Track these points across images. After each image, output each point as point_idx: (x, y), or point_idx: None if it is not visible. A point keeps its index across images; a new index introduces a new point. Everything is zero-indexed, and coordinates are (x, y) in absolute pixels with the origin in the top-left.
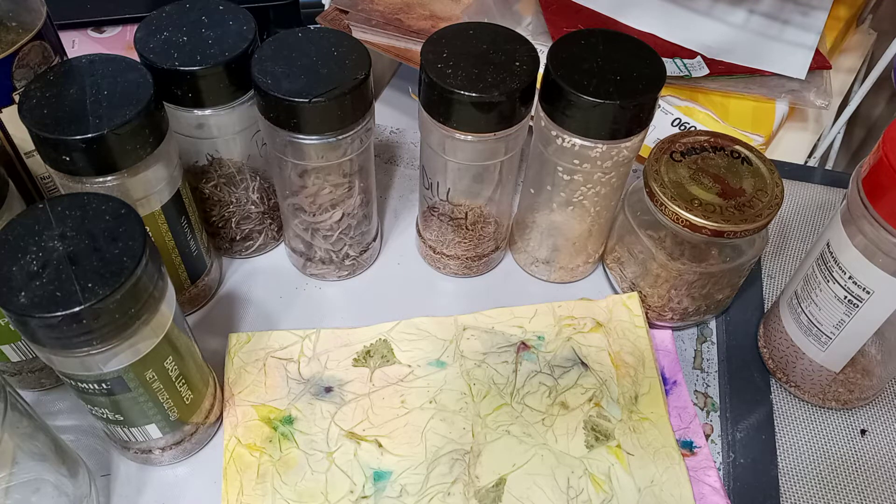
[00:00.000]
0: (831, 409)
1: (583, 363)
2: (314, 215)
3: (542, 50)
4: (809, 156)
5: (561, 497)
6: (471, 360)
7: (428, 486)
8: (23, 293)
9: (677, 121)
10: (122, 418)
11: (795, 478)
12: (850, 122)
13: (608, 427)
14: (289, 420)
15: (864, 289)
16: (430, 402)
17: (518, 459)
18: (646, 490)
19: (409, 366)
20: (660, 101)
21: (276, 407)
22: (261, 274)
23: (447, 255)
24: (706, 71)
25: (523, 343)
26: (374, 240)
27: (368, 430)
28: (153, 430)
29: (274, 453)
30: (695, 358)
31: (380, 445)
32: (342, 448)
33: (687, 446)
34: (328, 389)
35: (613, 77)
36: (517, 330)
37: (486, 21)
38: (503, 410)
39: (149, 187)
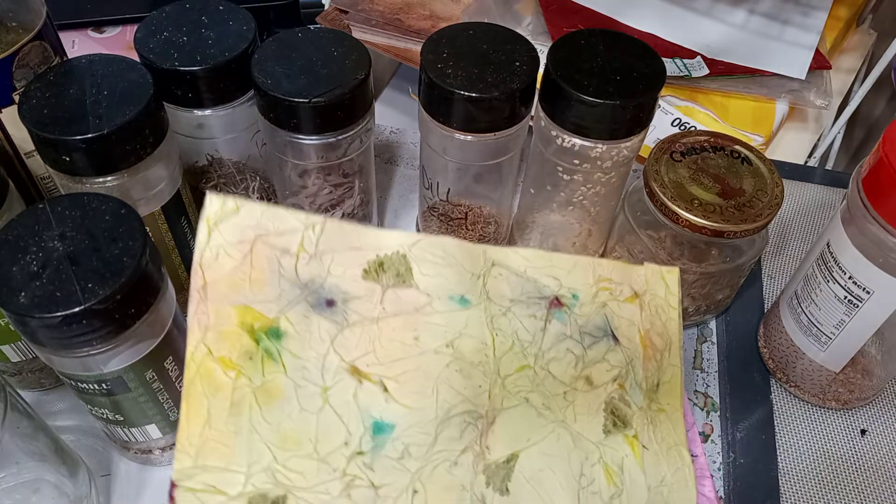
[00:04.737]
0: (831, 409)
1: (613, 336)
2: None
3: (542, 50)
4: (809, 156)
5: (572, 485)
6: (496, 305)
7: (434, 451)
8: (23, 293)
9: (677, 121)
10: (122, 418)
11: (795, 478)
12: (850, 122)
13: (627, 413)
14: (276, 333)
15: (864, 289)
16: (447, 347)
17: (534, 435)
18: (655, 490)
19: (428, 295)
20: (660, 101)
21: (262, 313)
22: None
23: None
24: (706, 71)
25: (557, 298)
26: None
27: (373, 366)
28: (153, 430)
29: (254, 376)
30: (695, 358)
31: (385, 389)
32: (340, 384)
33: None
34: (330, 303)
35: (613, 77)
36: (552, 281)
37: (485, 21)
38: (525, 374)
39: (149, 187)
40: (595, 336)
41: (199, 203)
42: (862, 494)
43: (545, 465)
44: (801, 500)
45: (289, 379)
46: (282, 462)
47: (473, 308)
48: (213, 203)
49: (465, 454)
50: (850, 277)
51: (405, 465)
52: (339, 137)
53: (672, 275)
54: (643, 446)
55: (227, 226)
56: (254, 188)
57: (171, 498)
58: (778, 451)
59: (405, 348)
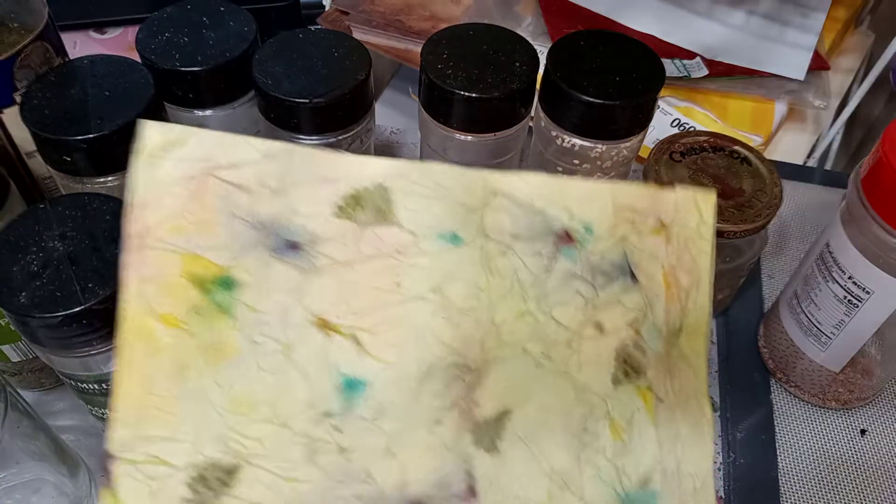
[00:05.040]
0: (831, 409)
1: (632, 274)
2: None
3: (542, 51)
4: (809, 156)
5: (572, 443)
6: (494, 243)
7: (415, 409)
8: (23, 293)
9: (677, 121)
10: None
11: (795, 478)
12: (849, 122)
13: (642, 361)
14: (229, 284)
15: (864, 289)
16: (434, 292)
17: (532, 388)
18: (667, 446)
19: (413, 233)
20: (659, 102)
21: (213, 260)
22: None
23: None
24: (705, 72)
25: (566, 233)
26: None
27: (345, 316)
28: None
29: (203, 333)
30: None
31: (357, 343)
32: (305, 339)
33: None
34: (294, 246)
35: (613, 77)
36: (562, 212)
37: (486, 22)
38: (524, 320)
39: None
40: (610, 275)
41: None
42: (862, 494)
43: (542, 420)
44: (801, 500)
45: (244, 336)
46: (236, 428)
47: (466, 246)
48: (151, 132)
49: (451, 411)
50: (849, 277)
51: (380, 426)
52: (340, 138)
53: (708, 201)
54: (658, 398)
55: (169, 159)
56: None
57: (107, 471)
58: (778, 451)
59: (384, 296)
